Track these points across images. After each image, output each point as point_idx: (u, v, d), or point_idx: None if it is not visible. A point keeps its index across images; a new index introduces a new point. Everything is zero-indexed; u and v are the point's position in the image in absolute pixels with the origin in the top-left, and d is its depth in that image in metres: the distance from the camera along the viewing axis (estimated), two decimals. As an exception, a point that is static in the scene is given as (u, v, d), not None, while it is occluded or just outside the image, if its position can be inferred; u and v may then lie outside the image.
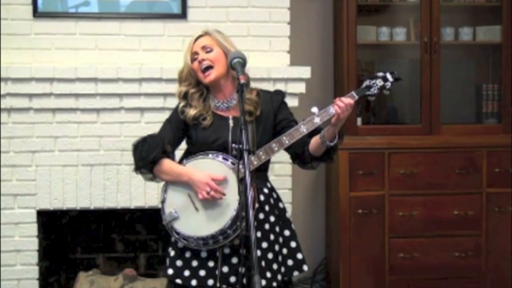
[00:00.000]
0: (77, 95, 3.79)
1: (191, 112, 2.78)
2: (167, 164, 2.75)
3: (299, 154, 2.77)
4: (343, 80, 4.15)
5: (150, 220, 4.16)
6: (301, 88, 3.87)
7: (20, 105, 3.78)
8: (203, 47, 2.78)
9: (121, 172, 3.87)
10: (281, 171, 3.82)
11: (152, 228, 4.22)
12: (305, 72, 3.88)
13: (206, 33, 2.83)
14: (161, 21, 3.94)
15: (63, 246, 4.19)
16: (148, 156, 2.73)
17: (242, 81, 2.52)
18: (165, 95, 3.80)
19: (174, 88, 3.74)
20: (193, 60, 2.79)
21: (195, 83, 2.81)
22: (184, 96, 2.83)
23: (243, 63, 2.62)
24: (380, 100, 4.40)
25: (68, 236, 4.18)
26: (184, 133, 2.85)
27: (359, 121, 4.17)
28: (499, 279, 4.16)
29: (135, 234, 4.24)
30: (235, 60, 2.61)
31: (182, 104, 2.83)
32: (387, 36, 4.26)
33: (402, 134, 4.17)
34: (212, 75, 2.75)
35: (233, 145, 2.70)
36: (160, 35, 3.94)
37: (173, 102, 3.71)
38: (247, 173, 2.39)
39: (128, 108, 3.84)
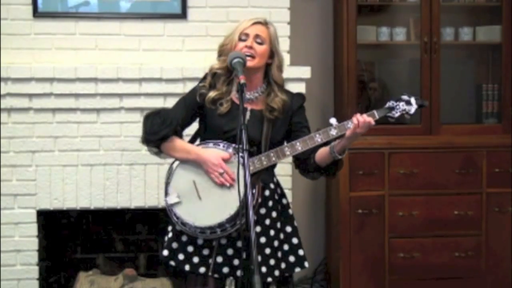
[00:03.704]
0: (77, 95, 3.79)
1: (211, 94, 2.75)
2: (176, 141, 2.73)
3: (303, 161, 2.77)
4: (343, 80, 4.15)
5: (150, 220, 4.17)
6: (301, 88, 3.87)
7: (20, 105, 3.78)
8: (257, 36, 2.74)
9: (121, 172, 3.87)
10: (281, 171, 3.81)
11: (152, 228, 4.22)
12: (305, 72, 3.88)
13: (265, 23, 2.78)
14: (161, 21, 3.94)
15: (63, 246, 4.19)
16: (159, 131, 2.71)
17: (242, 81, 2.52)
18: (165, 95, 3.80)
19: (174, 88, 3.78)
20: (240, 39, 2.74)
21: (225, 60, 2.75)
22: (212, 75, 2.79)
23: (243, 63, 2.63)
24: (380, 100, 4.40)
25: (68, 236, 4.18)
26: (196, 116, 2.82)
27: (359, 121, 4.17)
28: (499, 279, 4.16)
29: (135, 234, 4.24)
30: (235, 60, 2.62)
31: (206, 82, 2.78)
32: (387, 36, 4.25)
33: (402, 134, 4.17)
34: (249, 62, 2.70)
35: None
36: (160, 35, 3.94)
37: (173, 102, 3.71)
38: (247, 173, 2.40)
39: (128, 108, 3.84)
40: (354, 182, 4.06)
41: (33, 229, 3.84)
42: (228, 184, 2.66)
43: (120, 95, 3.82)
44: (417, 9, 4.19)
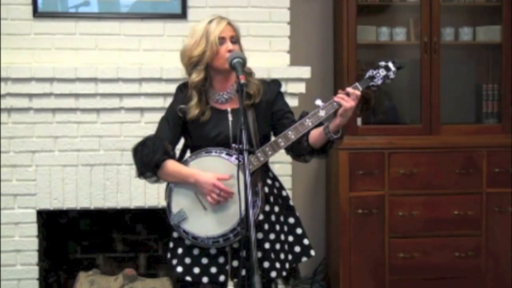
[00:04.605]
0: (77, 95, 3.79)
1: (193, 112, 2.72)
2: (171, 166, 2.70)
3: (295, 145, 2.71)
4: (343, 80, 4.14)
5: (150, 220, 4.17)
6: (301, 88, 3.87)
7: (20, 105, 3.78)
8: (231, 36, 2.73)
9: (121, 172, 3.87)
10: (281, 171, 3.82)
11: (152, 228, 4.22)
12: (305, 72, 3.88)
13: (230, 23, 2.77)
14: (161, 21, 3.94)
15: (63, 246, 4.19)
16: (150, 160, 2.68)
17: (242, 81, 2.51)
18: (165, 95, 3.79)
19: (174, 88, 3.76)
20: (219, 43, 2.71)
21: (203, 69, 2.72)
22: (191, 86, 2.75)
23: (243, 63, 2.62)
24: (380, 100, 4.40)
25: (68, 236, 4.18)
26: (182, 130, 2.80)
27: (359, 121, 4.17)
28: (499, 279, 4.16)
29: (135, 234, 4.24)
30: (235, 60, 2.60)
31: (193, 102, 2.75)
32: (387, 36, 4.26)
33: (402, 134, 4.17)
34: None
35: (234, 145, 2.69)
36: (160, 35, 3.94)
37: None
38: (247, 173, 2.40)
39: (128, 108, 3.84)
40: (354, 182, 4.06)
41: (33, 229, 3.84)
42: (227, 197, 2.63)
43: (120, 95, 3.82)
44: (417, 9, 4.19)
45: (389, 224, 4.09)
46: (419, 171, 4.09)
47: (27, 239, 3.84)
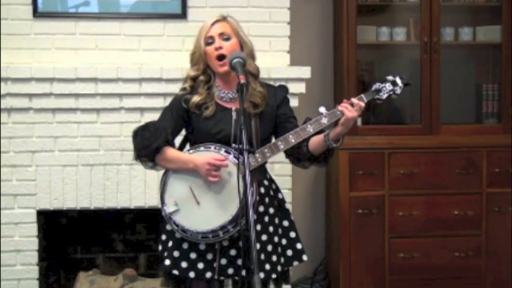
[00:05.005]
0: (77, 95, 3.79)
1: (195, 99, 2.75)
2: (171, 152, 2.72)
3: (294, 150, 2.73)
4: (343, 80, 4.15)
5: (150, 220, 4.16)
6: (301, 88, 3.87)
7: (20, 105, 3.78)
8: (221, 34, 2.74)
9: (121, 172, 3.87)
10: (281, 171, 3.82)
11: (152, 228, 4.22)
12: (305, 72, 3.88)
13: (223, 19, 2.79)
14: (161, 21, 3.94)
15: (63, 246, 4.19)
16: (151, 144, 2.69)
17: (242, 81, 2.51)
18: (165, 95, 3.79)
19: (174, 88, 3.77)
20: (207, 44, 2.75)
21: (203, 67, 2.77)
22: (192, 79, 2.80)
23: (243, 63, 2.62)
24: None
25: (68, 236, 4.18)
26: (185, 122, 2.81)
27: (359, 121, 4.17)
28: (499, 279, 4.16)
29: (135, 234, 4.24)
30: (235, 60, 2.61)
31: (187, 84, 2.80)
32: (387, 36, 4.26)
33: (402, 134, 4.17)
34: (222, 68, 2.72)
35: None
36: (160, 35, 3.94)
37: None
38: (247, 173, 2.40)
39: (128, 108, 3.84)
40: (354, 182, 4.06)
41: (33, 229, 3.84)
42: (223, 167, 2.64)
43: (120, 95, 3.82)
44: (417, 9, 4.19)
45: (389, 224, 4.09)
46: (419, 171, 4.09)
47: (27, 239, 3.84)
